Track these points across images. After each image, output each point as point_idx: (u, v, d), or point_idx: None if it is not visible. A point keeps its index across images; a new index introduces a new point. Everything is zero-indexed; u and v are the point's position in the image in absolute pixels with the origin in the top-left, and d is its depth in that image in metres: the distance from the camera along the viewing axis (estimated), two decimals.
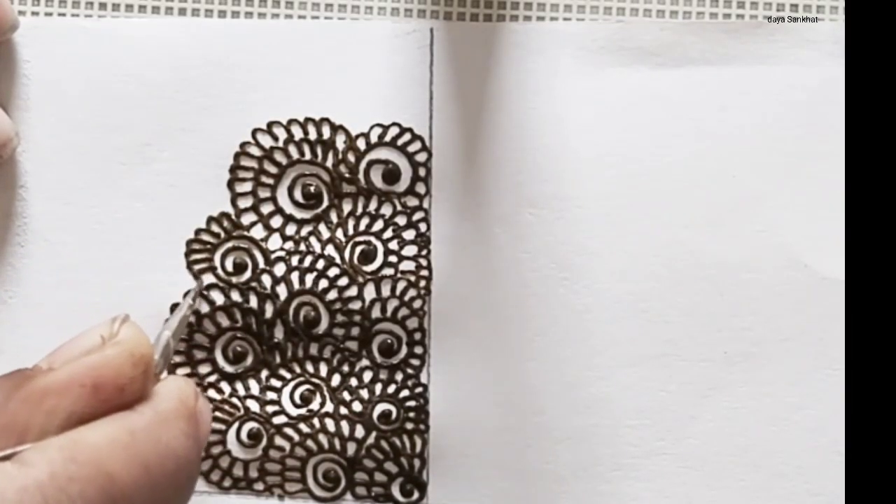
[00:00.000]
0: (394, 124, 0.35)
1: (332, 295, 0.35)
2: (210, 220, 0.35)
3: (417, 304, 0.35)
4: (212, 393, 0.35)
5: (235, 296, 0.35)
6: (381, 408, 0.35)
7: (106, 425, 0.25)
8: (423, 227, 0.35)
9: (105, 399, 0.25)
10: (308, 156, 0.35)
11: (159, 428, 0.26)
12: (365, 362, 0.35)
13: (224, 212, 0.35)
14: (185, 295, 0.34)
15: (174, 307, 0.34)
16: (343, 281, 0.35)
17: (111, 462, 0.24)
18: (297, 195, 0.35)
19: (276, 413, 0.34)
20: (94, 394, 0.25)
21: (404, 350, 0.35)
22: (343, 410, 0.34)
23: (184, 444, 0.26)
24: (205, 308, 0.35)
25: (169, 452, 0.26)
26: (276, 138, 0.35)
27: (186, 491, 0.27)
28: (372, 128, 0.35)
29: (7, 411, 0.25)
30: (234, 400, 0.35)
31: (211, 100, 0.34)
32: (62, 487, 0.23)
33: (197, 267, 0.35)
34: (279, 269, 0.35)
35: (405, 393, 0.35)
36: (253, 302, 0.35)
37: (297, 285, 0.35)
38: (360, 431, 0.34)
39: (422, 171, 0.35)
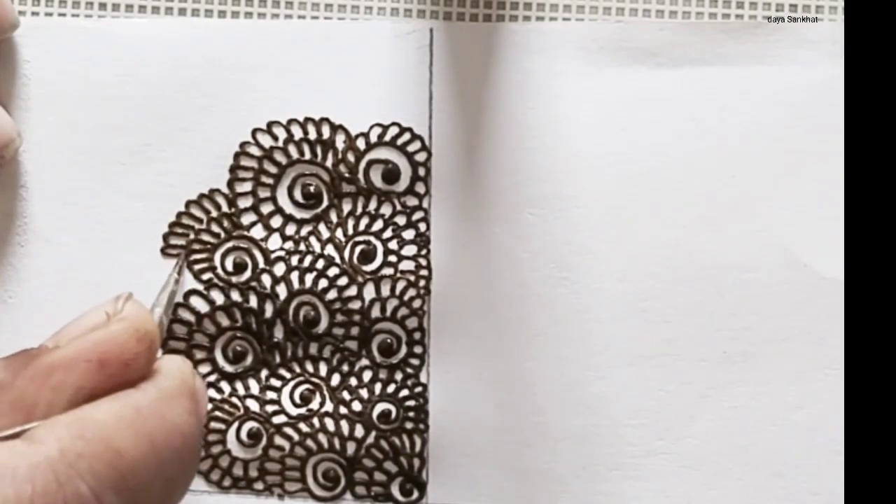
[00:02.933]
0: (393, 124, 0.35)
1: (332, 294, 0.35)
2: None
3: (417, 303, 0.35)
4: (212, 392, 0.35)
5: (235, 295, 0.35)
6: (380, 407, 0.35)
7: (112, 402, 0.25)
8: (422, 226, 0.35)
9: (111, 374, 0.26)
10: (308, 156, 0.35)
11: (164, 405, 0.26)
12: (364, 362, 0.35)
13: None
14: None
15: (174, 308, 0.34)
16: (343, 281, 0.35)
17: (119, 438, 0.24)
18: (297, 195, 0.35)
19: (275, 412, 0.34)
20: (101, 369, 0.26)
21: (404, 350, 0.35)
22: (343, 410, 0.35)
23: (187, 421, 0.26)
24: (205, 308, 0.35)
25: (174, 429, 0.26)
26: (275, 138, 0.35)
27: (191, 467, 0.27)
28: (371, 127, 0.35)
29: (15, 388, 0.25)
30: (234, 399, 0.35)
31: (211, 100, 0.35)
32: (72, 463, 0.24)
33: (197, 267, 0.35)
34: (279, 269, 0.35)
35: (405, 392, 0.35)
36: (253, 302, 0.35)
37: (296, 285, 0.35)
38: (359, 431, 0.35)
39: (421, 171, 0.35)
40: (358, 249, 0.35)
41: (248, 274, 0.35)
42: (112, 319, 0.27)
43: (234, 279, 0.35)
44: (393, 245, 0.35)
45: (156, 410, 0.26)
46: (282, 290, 0.35)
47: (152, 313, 0.30)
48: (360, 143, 0.35)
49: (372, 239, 0.35)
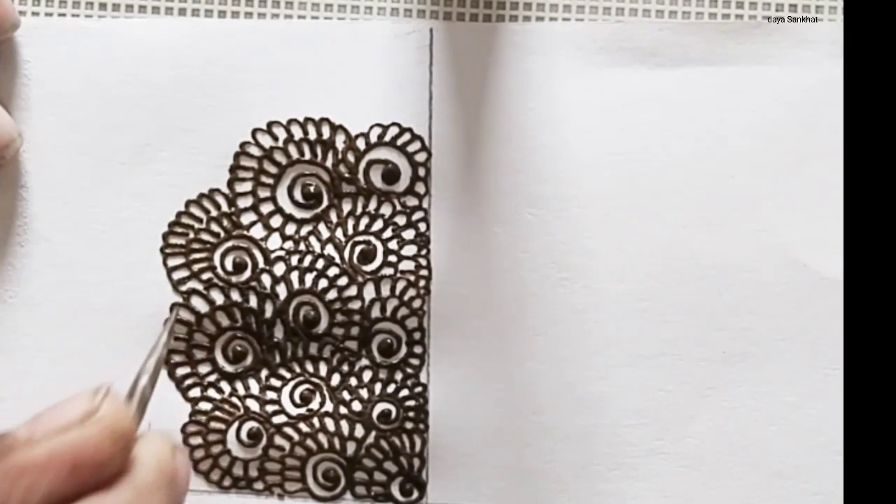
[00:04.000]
0: (393, 124, 0.35)
1: (332, 294, 0.35)
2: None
3: (417, 303, 0.35)
4: (212, 392, 0.35)
5: (235, 295, 0.35)
6: (380, 407, 0.35)
7: None
8: (422, 226, 0.35)
9: (84, 477, 0.26)
10: (308, 156, 0.35)
11: (140, 503, 0.26)
12: (364, 362, 0.35)
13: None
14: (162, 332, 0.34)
15: (173, 307, 0.35)
16: (343, 280, 0.35)
17: None
18: (297, 195, 0.35)
19: (275, 412, 0.34)
20: (74, 472, 0.25)
21: (404, 350, 0.35)
22: (343, 410, 0.35)
23: None
24: (205, 308, 0.35)
25: None
26: (275, 138, 0.35)
27: None
28: (371, 128, 0.35)
29: None
30: (234, 399, 0.35)
31: (211, 100, 0.35)
32: None
33: (196, 266, 0.35)
34: (279, 269, 0.35)
35: (405, 392, 0.35)
36: (253, 301, 0.35)
37: (296, 285, 0.35)
38: (359, 431, 0.35)
39: (421, 171, 0.35)
40: (358, 249, 0.35)
41: (248, 274, 0.35)
42: (89, 421, 0.26)
43: (233, 279, 0.35)
44: (393, 245, 0.35)
45: None
46: (282, 290, 0.35)
47: (138, 382, 0.29)
48: (360, 144, 0.35)
49: (372, 239, 0.35)
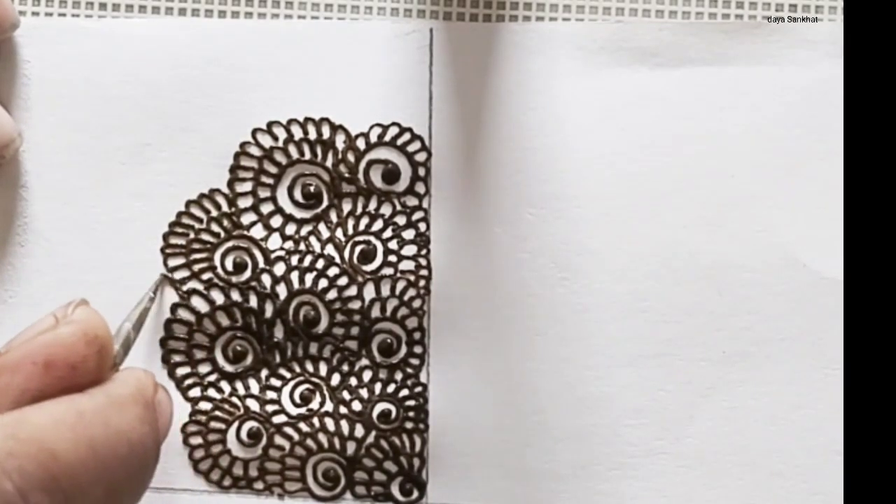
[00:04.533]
0: (393, 124, 0.35)
1: (332, 294, 0.35)
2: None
3: (417, 303, 0.35)
4: (212, 392, 0.35)
5: (235, 295, 0.35)
6: (380, 407, 0.35)
7: (53, 405, 0.25)
8: (422, 226, 0.35)
9: (58, 377, 0.26)
10: (308, 155, 0.35)
11: (110, 411, 0.26)
12: (364, 362, 0.35)
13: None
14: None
15: (174, 307, 0.35)
16: (343, 280, 0.35)
17: (54, 440, 0.24)
18: (297, 195, 0.35)
19: (275, 412, 0.34)
20: (46, 371, 0.26)
21: (404, 349, 0.35)
22: (343, 410, 0.35)
23: (137, 430, 0.26)
24: (205, 308, 0.35)
25: (120, 436, 0.26)
26: (275, 138, 0.35)
27: (140, 475, 0.27)
28: (371, 127, 0.35)
29: None
30: (234, 399, 0.35)
31: (211, 100, 0.35)
32: None
33: (196, 266, 0.35)
34: (279, 269, 0.35)
35: (405, 392, 0.35)
36: (253, 301, 0.35)
37: (296, 285, 0.35)
38: (359, 431, 0.35)
39: (421, 171, 0.35)
40: (358, 249, 0.35)
41: (248, 274, 0.35)
42: (61, 322, 0.27)
43: (234, 279, 0.35)
44: (393, 245, 0.35)
45: (101, 416, 0.26)
46: (282, 290, 0.35)
47: (121, 327, 0.30)
48: (360, 143, 0.35)
49: (372, 239, 0.35)
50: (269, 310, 0.35)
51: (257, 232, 0.35)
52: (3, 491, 0.23)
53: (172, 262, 0.35)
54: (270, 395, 0.35)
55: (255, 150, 0.35)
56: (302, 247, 0.35)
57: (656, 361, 0.34)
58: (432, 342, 0.35)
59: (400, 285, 0.35)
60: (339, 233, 0.35)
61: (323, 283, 0.35)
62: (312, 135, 0.35)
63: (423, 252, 0.35)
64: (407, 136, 0.35)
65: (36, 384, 0.25)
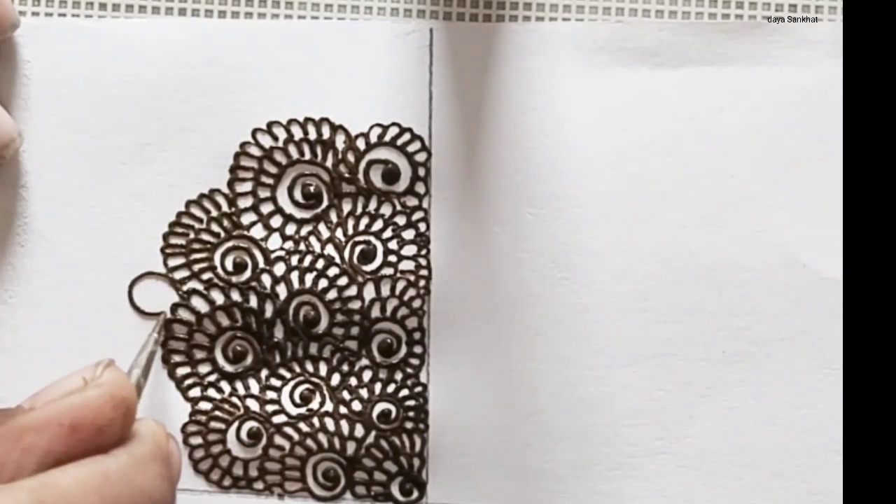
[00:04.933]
0: (393, 124, 0.35)
1: (332, 294, 0.35)
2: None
3: (417, 303, 0.35)
4: (212, 392, 0.35)
5: (235, 295, 0.35)
6: (380, 407, 0.35)
7: (79, 468, 0.25)
8: (422, 226, 0.35)
9: (83, 439, 0.26)
10: (308, 156, 0.35)
11: (134, 471, 0.26)
12: (364, 362, 0.35)
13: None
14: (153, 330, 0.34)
15: (174, 307, 0.35)
16: (343, 280, 0.35)
17: None
18: (297, 195, 0.35)
19: (275, 412, 0.35)
20: (72, 433, 0.25)
21: (404, 349, 0.35)
22: (343, 410, 0.35)
23: (158, 487, 0.26)
24: (205, 308, 0.35)
25: (144, 494, 0.26)
26: (276, 138, 0.35)
27: None
28: (371, 128, 0.35)
29: None
30: (234, 399, 0.35)
31: (211, 100, 0.35)
32: None
33: (196, 266, 0.35)
34: (279, 269, 0.35)
35: (404, 392, 0.35)
36: (253, 301, 0.35)
37: (296, 285, 0.35)
38: (359, 430, 0.35)
39: (421, 171, 0.35)
40: (358, 249, 0.35)
41: (248, 274, 0.35)
42: (89, 385, 0.26)
43: (234, 279, 0.35)
44: (393, 245, 0.35)
45: (125, 477, 0.26)
46: (282, 290, 0.35)
47: (130, 375, 0.30)
48: (360, 144, 0.35)
49: (372, 239, 0.35)
50: (269, 310, 0.35)
51: (257, 232, 0.35)
52: None
53: (172, 262, 0.35)
54: (270, 395, 0.35)
55: (255, 150, 0.35)
56: (302, 247, 0.35)
57: (656, 361, 0.35)
58: (432, 342, 0.35)
59: (400, 285, 0.35)
60: (339, 233, 0.35)
61: (323, 283, 0.35)
62: (312, 135, 0.35)
63: (423, 252, 0.35)
64: (407, 137, 0.35)
65: (61, 446, 0.25)
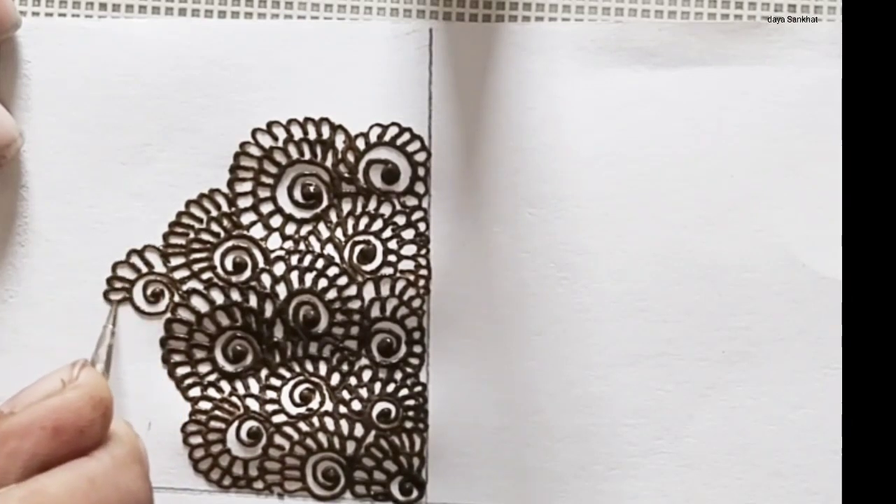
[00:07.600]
0: (393, 124, 0.35)
1: (332, 294, 0.35)
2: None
3: (416, 303, 0.35)
4: (212, 392, 0.35)
5: (235, 295, 0.35)
6: (380, 406, 0.35)
7: (66, 473, 0.25)
8: (422, 226, 0.35)
9: (65, 441, 0.26)
10: (308, 155, 0.35)
11: (117, 473, 0.26)
12: (364, 361, 0.35)
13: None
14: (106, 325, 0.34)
15: (174, 307, 0.35)
16: (342, 280, 0.35)
17: None
18: (297, 195, 0.35)
19: (275, 412, 0.35)
20: (55, 436, 0.26)
21: (403, 349, 0.35)
22: (342, 409, 0.35)
23: (141, 487, 0.27)
24: (205, 308, 0.35)
25: (130, 497, 0.26)
26: (275, 138, 0.35)
27: None
28: (371, 127, 0.35)
29: None
30: (234, 399, 0.35)
31: (211, 100, 0.35)
32: None
33: (196, 266, 0.35)
34: (279, 269, 0.35)
35: (404, 392, 0.35)
36: (253, 301, 0.35)
37: (296, 284, 0.35)
38: (359, 430, 0.35)
39: (421, 171, 0.35)
40: (358, 249, 0.35)
41: (247, 273, 0.35)
42: (67, 386, 0.27)
43: (233, 279, 0.35)
44: (392, 245, 0.35)
45: (110, 479, 0.26)
46: (282, 290, 0.35)
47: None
48: (360, 143, 0.35)
49: (372, 239, 0.35)
50: (268, 309, 0.35)
51: (257, 232, 0.35)
52: None
53: (172, 262, 0.35)
54: (270, 394, 0.35)
55: (255, 150, 0.35)
56: (302, 247, 0.35)
57: (656, 361, 0.35)
58: (432, 342, 0.35)
59: (399, 285, 0.35)
60: (338, 233, 0.35)
61: (323, 282, 0.35)
62: (312, 135, 0.35)
63: (423, 252, 0.35)
64: (406, 136, 0.35)
65: (45, 449, 0.26)
